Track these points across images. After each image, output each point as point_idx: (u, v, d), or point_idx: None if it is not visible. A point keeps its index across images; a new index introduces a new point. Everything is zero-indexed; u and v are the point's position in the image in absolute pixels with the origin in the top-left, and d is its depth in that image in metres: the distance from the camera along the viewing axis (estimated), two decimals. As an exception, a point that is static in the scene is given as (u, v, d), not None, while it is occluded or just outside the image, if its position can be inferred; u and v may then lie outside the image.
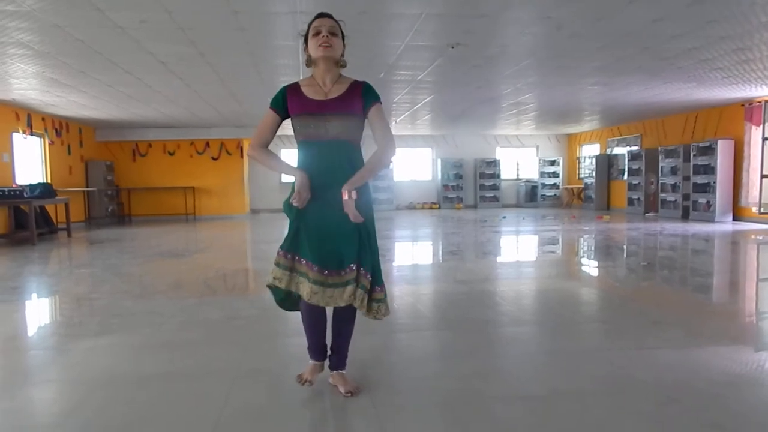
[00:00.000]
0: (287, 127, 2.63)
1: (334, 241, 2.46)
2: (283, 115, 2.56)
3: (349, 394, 2.57)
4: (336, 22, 2.54)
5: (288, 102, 2.53)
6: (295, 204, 2.44)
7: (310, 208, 2.46)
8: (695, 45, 7.10)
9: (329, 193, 2.44)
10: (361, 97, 2.53)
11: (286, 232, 2.56)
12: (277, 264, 2.53)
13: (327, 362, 2.71)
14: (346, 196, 2.40)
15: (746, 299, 4.95)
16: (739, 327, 3.90)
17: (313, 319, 2.62)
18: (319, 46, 2.47)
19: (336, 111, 2.48)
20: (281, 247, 2.54)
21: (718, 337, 3.54)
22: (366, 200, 2.52)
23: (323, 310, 2.62)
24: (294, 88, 2.55)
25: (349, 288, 2.44)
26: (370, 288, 2.50)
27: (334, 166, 2.47)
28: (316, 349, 2.67)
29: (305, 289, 2.46)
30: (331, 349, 2.68)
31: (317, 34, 2.48)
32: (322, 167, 2.47)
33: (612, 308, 4.51)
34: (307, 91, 2.53)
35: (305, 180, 2.43)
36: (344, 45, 2.58)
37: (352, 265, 2.47)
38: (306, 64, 2.61)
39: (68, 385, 2.85)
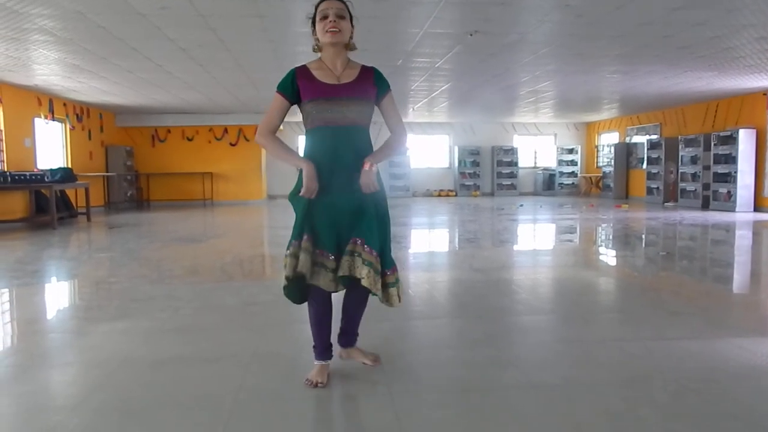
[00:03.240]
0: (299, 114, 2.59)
1: (348, 224, 2.45)
2: (292, 99, 2.50)
3: (377, 362, 2.63)
4: (344, 3, 2.48)
5: (300, 86, 2.47)
6: (304, 196, 2.40)
7: (324, 195, 2.43)
8: (717, 33, 6.98)
9: (345, 178, 2.43)
10: (374, 85, 2.53)
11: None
12: (305, 251, 2.39)
13: (336, 342, 2.72)
14: (367, 167, 2.40)
15: (767, 290, 4.88)
16: (760, 318, 3.85)
17: (321, 313, 2.59)
18: (327, 31, 2.42)
19: (352, 95, 2.46)
20: (296, 236, 2.44)
21: (738, 328, 3.50)
22: (380, 183, 2.52)
23: (330, 304, 2.61)
24: (304, 72, 2.49)
25: (345, 259, 2.41)
26: (381, 270, 2.46)
27: (350, 151, 2.45)
28: (323, 348, 2.60)
29: (325, 280, 2.43)
30: (341, 328, 2.70)
31: (324, 18, 2.43)
32: (338, 152, 2.44)
33: (630, 298, 4.48)
34: (318, 75, 2.48)
35: (313, 170, 2.39)
36: (353, 26, 2.53)
37: (354, 239, 2.43)
38: (314, 50, 2.57)
39: (86, 368, 2.89)
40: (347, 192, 2.44)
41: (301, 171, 2.44)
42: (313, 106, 2.45)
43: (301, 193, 2.41)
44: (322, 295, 2.54)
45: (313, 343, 2.64)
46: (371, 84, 2.52)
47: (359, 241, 2.42)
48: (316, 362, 2.62)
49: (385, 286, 2.50)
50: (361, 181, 2.41)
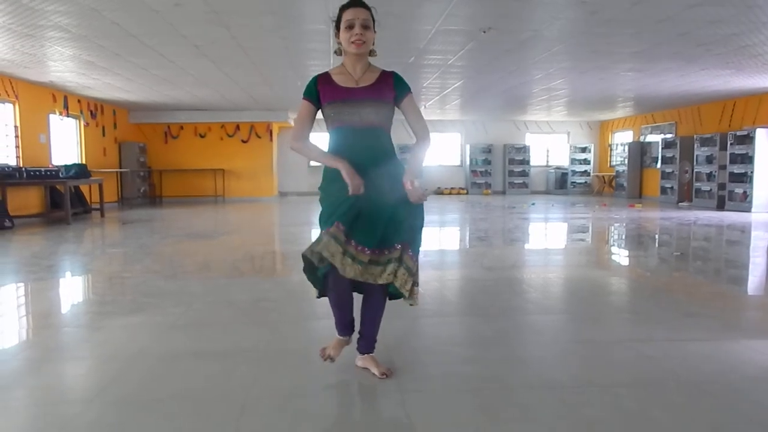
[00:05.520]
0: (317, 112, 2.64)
1: (380, 221, 2.45)
2: (317, 104, 2.56)
3: (384, 376, 2.58)
4: (369, 10, 2.50)
5: (320, 91, 2.53)
6: (352, 193, 2.38)
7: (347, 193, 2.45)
8: (734, 31, 6.90)
9: (365, 177, 2.43)
10: (393, 88, 2.57)
11: (314, 215, 2.55)
12: (334, 237, 2.38)
13: (355, 345, 2.72)
14: (409, 186, 2.41)
15: (782, 292, 4.83)
16: (775, 320, 3.81)
17: (341, 295, 2.61)
18: (352, 43, 2.46)
19: (369, 98, 2.50)
20: (330, 221, 2.42)
21: (754, 330, 3.47)
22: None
23: (348, 285, 2.59)
24: (325, 77, 2.56)
25: (390, 266, 2.44)
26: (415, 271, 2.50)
27: (369, 151, 2.48)
28: (344, 325, 2.67)
29: (352, 270, 2.41)
30: (360, 333, 2.70)
31: (350, 27, 2.45)
32: (356, 152, 2.47)
33: (643, 298, 4.44)
34: (338, 79, 2.54)
35: (349, 168, 2.40)
36: (375, 32, 2.55)
37: (397, 244, 2.46)
38: (336, 53, 2.61)
39: (101, 362, 2.92)
40: (368, 191, 2.43)
41: (326, 168, 2.52)
42: (332, 108, 2.51)
43: (350, 193, 2.38)
44: (343, 285, 2.56)
45: (335, 321, 2.70)
46: (390, 87, 2.56)
47: (400, 246, 2.46)
48: (337, 336, 2.70)
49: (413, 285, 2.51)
50: (411, 200, 2.42)
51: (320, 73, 2.60)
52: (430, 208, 13.10)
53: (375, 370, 2.62)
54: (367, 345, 2.70)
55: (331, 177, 2.50)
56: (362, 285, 2.57)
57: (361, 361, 2.72)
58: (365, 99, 2.49)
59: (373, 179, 2.44)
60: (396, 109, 2.62)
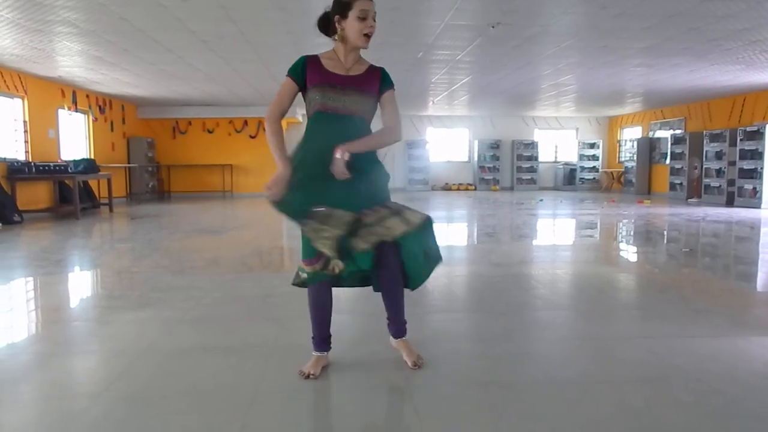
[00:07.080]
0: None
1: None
2: (301, 84, 2.53)
3: (416, 367, 2.62)
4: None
5: (307, 72, 2.52)
6: (268, 194, 2.45)
7: (320, 180, 2.44)
8: (745, 26, 6.85)
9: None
10: (379, 81, 2.59)
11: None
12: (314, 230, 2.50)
13: (387, 330, 2.75)
14: (338, 155, 2.38)
15: (792, 289, 4.79)
16: (785, 318, 3.78)
17: (317, 302, 2.62)
18: (364, 35, 2.46)
19: (356, 87, 2.51)
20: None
21: (762, 327, 3.44)
22: (383, 182, 2.61)
23: (330, 294, 2.63)
24: (314, 60, 2.55)
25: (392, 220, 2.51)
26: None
27: (345, 139, 2.43)
28: (321, 339, 2.65)
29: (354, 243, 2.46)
30: (387, 318, 2.72)
31: (364, 19, 2.43)
32: (334, 139, 2.44)
33: (651, 295, 4.42)
34: (327, 64, 2.53)
35: (282, 176, 2.43)
36: None
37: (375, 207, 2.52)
38: (335, 38, 2.55)
39: (109, 356, 2.93)
40: (339, 181, 2.43)
41: (293, 167, 2.47)
42: (317, 91, 2.49)
43: (266, 188, 2.45)
44: (320, 283, 2.60)
45: (311, 334, 2.67)
46: (377, 80, 2.58)
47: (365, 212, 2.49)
48: (313, 353, 2.65)
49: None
50: (331, 169, 2.40)
51: (309, 54, 2.58)
52: (437, 203, 13.08)
53: (407, 359, 2.66)
54: (397, 329, 2.72)
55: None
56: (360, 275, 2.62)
57: (395, 343, 2.75)
58: (352, 87, 2.50)
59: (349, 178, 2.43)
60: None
